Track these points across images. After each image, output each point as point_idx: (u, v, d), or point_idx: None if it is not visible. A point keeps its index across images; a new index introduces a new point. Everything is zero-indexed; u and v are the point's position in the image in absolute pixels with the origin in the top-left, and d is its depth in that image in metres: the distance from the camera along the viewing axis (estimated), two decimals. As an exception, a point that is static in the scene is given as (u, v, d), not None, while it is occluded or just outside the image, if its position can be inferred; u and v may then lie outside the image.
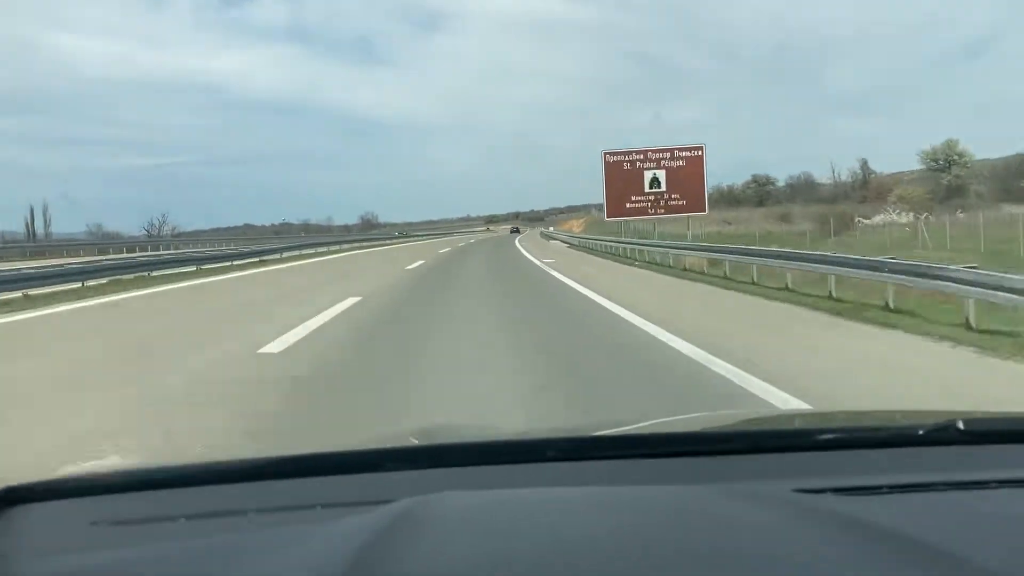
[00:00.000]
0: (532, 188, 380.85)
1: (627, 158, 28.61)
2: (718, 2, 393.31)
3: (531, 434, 1.66)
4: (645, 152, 28.76)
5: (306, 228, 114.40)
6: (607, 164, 28.66)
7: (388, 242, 58.78)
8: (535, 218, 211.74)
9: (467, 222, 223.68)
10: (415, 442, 1.48)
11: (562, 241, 46.69)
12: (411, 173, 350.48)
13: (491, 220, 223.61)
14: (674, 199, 28.56)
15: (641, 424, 1.57)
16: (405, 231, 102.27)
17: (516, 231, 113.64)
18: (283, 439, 4.29)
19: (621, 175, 28.56)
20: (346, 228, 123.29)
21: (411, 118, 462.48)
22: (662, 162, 28.51)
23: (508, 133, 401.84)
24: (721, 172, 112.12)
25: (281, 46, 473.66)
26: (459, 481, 1.14)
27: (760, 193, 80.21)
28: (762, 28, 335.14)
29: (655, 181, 28.53)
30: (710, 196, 31.29)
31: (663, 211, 28.82)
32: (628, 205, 28.81)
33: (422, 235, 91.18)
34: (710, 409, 4.49)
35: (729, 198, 74.57)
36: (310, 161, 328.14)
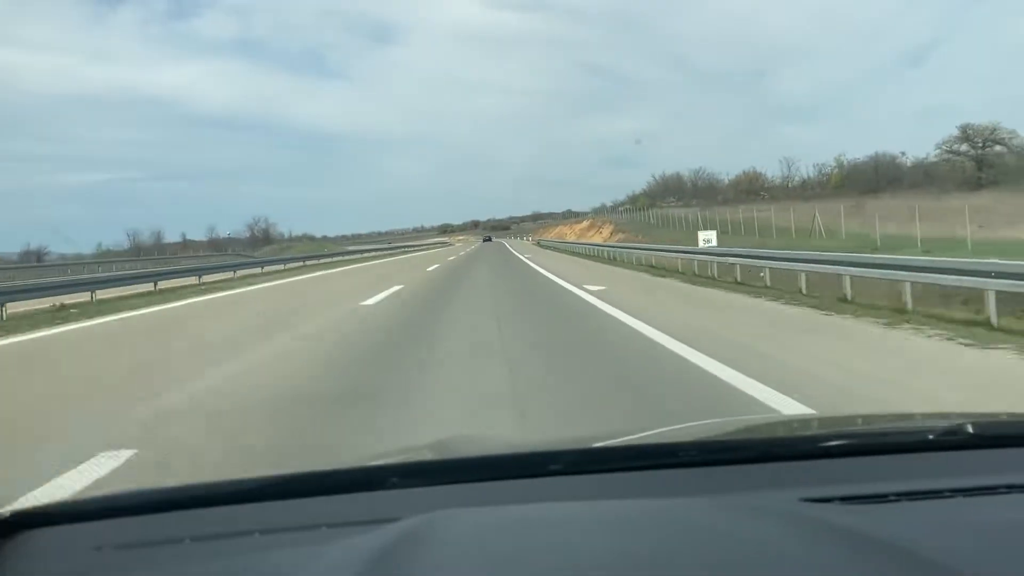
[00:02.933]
0: (489, 197, 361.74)
1: None
2: (668, 14, 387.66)
3: (534, 447, 1.52)
4: None
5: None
6: None
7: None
8: (498, 227, 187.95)
9: (420, 233, 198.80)
10: (418, 458, 1.43)
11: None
12: (363, 185, 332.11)
13: (446, 230, 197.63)
14: None
15: (643, 434, 1.55)
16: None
17: (489, 240, 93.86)
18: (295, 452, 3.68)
19: None
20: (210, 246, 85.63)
21: (364, 131, 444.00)
22: None
23: (463, 143, 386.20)
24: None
25: (230, 60, 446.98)
26: (463, 497, 1.13)
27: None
28: (711, 39, 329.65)
29: None
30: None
31: None
32: None
33: (351, 255, 49.76)
34: None
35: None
36: (260, 175, 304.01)
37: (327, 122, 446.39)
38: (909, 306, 9.01)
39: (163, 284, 21.00)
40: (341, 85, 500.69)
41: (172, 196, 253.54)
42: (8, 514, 1.09)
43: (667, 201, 54.86)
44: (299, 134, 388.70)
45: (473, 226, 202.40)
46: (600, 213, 75.98)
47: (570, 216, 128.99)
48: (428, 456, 1.45)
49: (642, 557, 0.86)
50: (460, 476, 1.23)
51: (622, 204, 72.85)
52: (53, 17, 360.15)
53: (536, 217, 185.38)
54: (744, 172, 67.50)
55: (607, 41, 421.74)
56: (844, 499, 1.05)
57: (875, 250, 20.14)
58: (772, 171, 75.53)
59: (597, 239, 47.14)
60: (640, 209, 55.78)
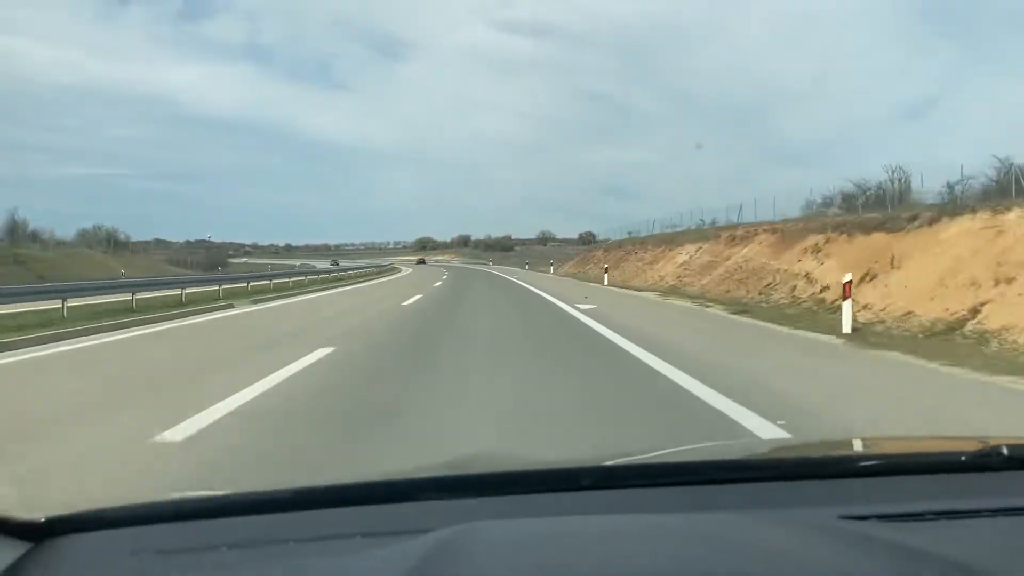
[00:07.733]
0: (485, 216, 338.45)
1: None
2: (674, 50, 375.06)
3: (565, 463, 1.52)
4: None
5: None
6: None
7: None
8: (495, 246, 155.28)
9: (406, 248, 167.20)
10: (449, 472, 1.44)
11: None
12: (358, 197, 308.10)
13: (425, 245, 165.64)
14: None
15: (675, 450, 1.54)
16: None
17: (423, 263, 79.67)
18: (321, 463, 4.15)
19: None
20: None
21: (362, 143, 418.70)
22: None
23: (460, 161, 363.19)
24: (666, 212, 64.31)
25: (236, 64, 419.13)
26: (493, 510, 1.14)
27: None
28: (715, 78, 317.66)
29: None
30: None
31: None
32: None
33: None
34: None
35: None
36: (255, 180, 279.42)
37: (325, 132, 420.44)
38: None
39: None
40: (344, 96, 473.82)
41: (162, 195, 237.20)
42: (43, 519, 1.09)
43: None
44: (295, 142, 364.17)
45: (462, 243, 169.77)
46: (803, 216, 36.85)
47: (589, 240, 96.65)
48: (457, 471, 1.43)
49: (685, 569, 0.85)
50: (490, 490, 1.23)
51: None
52: (65, 7, 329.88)
53: (545, 239, 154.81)
54: None
55: (615, 74, 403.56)
56: (881, 517, 1.06)
57: None
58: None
59: None
60: None
